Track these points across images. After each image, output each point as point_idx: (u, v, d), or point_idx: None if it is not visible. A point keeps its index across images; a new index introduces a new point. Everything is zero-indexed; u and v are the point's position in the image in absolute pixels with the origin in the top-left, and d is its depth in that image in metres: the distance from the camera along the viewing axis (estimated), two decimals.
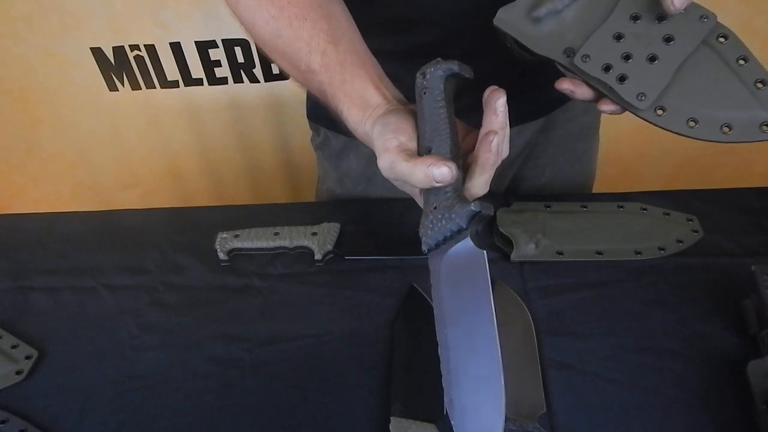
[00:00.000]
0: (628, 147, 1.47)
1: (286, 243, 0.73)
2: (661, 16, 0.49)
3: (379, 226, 0.78)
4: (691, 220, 0.73)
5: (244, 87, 1.38)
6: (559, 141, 0.84)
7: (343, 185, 0.87)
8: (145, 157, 1.55)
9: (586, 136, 0.88)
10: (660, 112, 0.50)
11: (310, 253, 0.72)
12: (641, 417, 0.54)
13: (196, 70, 1.35)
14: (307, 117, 0.87)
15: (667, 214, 0.74)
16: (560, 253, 0.70)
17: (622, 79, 0.49)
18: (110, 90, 1.42)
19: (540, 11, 0.52)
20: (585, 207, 0.75)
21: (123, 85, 1.41)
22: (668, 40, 0.49)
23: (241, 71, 1.37)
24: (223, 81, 1.37)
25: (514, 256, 0.70)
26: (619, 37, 0.49)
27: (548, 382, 0.58)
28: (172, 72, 1.35)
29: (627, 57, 0.49)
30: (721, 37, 0.49)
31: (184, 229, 0.79)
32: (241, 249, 0.73)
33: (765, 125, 0.49)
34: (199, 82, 1.37)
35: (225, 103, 1.41)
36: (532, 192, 0.86)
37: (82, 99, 1.44)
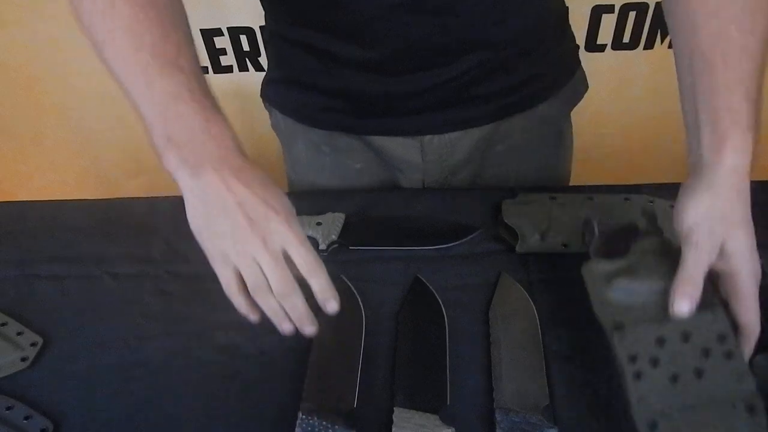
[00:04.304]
0: (635, 139, 1.46)
1: None
2: (707, 351, 0.49)
3: (384, 216, 0.77)
4: None
5: (249, 75, 1.38)
6: (515, 150, 0.82)
7: (296, 171, 0.86)
8: (150, 145, 1.55)
9: (547, 145, 0.85)
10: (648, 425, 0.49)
11: (314, 242, 0.72)
12: None
13: (201, 59, 1.34)
14: (260, 95, 0.87)
15: (674, 206, 0.73)
16: (565, 245, 0.69)
17: (638, 375, 0.49)
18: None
19: (618, 282, 0.53)
20: (591, 199, 0.75)
21: None
22: (698, 373, 0.49)
23: (247, 59, 1.36)
24: (228, 69, 1.37)
25: (519, 248, 0.70)
26: (661, 341, 0.49)
27: (552, 375, 0.58)
28: None
29: (655, 362, 0.49)
30: (750, 409, 0.47)
31: None
32: None
33: None
34: (203, 70, 1.36)
35: (230, 91, 1.41)
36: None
37: (87, 87, 1.43)
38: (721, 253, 0.49)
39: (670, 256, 0.54)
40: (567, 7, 0.79)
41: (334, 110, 0.77)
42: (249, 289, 0.51)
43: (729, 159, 0.50)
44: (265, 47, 1.29)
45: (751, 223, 0.50)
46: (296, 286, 0.51)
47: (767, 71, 0.51)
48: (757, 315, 0.49)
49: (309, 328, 0.54)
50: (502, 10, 0.67)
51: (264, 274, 0.50)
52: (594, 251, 0.58)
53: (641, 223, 0.58)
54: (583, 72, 0.84)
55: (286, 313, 0.52)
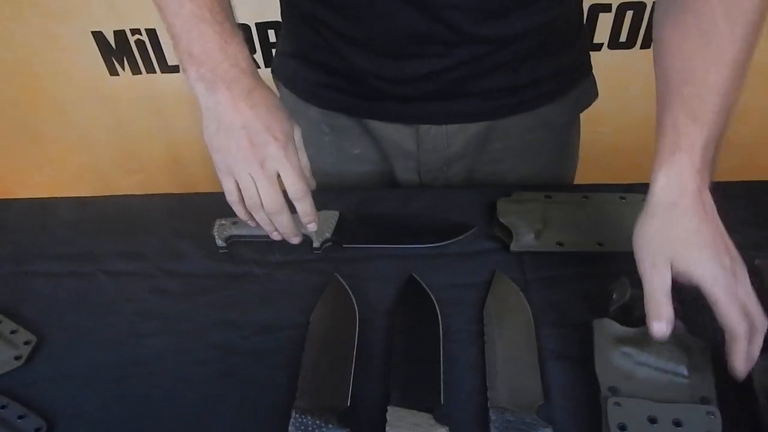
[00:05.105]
0: (632, 138, 1.46)
1: None
2: None
3: (379, 214, 0.77)
4: None
5: None
6: (513, 150, 0.81)
7: None
8: (146, 142, 1.55)
9: (547, 150, 0.84)
10: None
11: (308, 240, 0.71)
12: None
13: None
14: (272, 72, 0.87)
15: None
16: (560, 244, 0.69)
17: None
18: (111, 74, 1.41)
19: (626, 349, 0.55)
20: (586, 197, 0.75)
21: (124, 70, 1.40)
22: None
23: None
24: None
25: (513, 247, 0.69)
26: (652, 420, 0.51)
27: (547, 374, 0.58)
28: (172, 56, 1.34)
29: None
30: None
31: (184, 216, 0.79)
32: (239, 236, 0.73)
33: None
34: None
35: None
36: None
37: (83, 83, 1.43)
38: (677, 271, 0.50)
39: (685, 344, 0.55)
40: (582, 19, 0.78)
41: (334, 89, 0.77)
42: (245, 202, 0.60)
43: (661, 178, 0.51)
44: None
45: (704, 231, 0.51)
46: (285, 205, 0.60)
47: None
48: (736, 314, 0.49)
49: (294, 239, 0.65)
50: (499, 7, 0.66)
51: (258, 193, 0.58)
52: (614, 312, 0.58)
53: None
54: (593, 80, 0.84)
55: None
